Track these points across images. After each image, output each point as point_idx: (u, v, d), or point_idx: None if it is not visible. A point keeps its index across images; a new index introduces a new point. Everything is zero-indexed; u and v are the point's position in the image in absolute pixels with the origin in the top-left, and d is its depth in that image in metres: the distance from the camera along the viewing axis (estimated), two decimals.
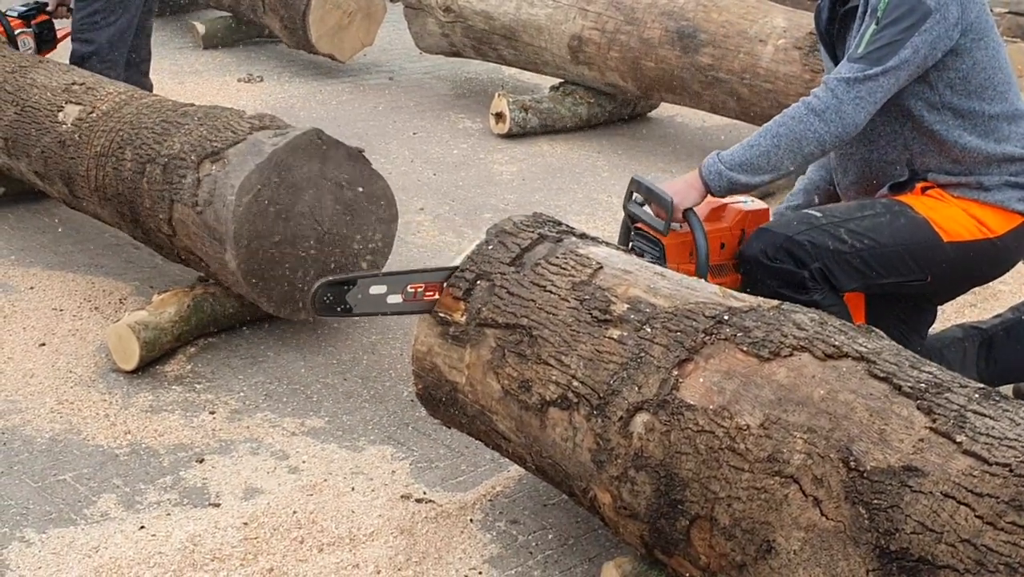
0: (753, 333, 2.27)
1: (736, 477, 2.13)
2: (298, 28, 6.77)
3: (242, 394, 3.44)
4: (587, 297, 2.51)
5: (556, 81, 6.22)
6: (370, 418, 3.33)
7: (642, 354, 2.35)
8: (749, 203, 3.01)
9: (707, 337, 2.31)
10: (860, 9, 2.94)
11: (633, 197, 3.03)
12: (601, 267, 2.57)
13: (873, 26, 2.82)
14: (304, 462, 3.10)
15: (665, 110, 6.46)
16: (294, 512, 2.86)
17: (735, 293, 2.46)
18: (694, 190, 2.89)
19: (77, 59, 4.78)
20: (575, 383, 2.42)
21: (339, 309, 2.72)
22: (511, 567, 2.69)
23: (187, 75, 6.83)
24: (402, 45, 7.65)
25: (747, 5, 5.36)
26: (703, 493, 2.18)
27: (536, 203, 5.02)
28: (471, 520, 2.85)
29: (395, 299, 2.72)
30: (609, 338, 2.42)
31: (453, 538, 2.78)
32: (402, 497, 2.93)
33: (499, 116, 5.92)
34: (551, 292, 2.56)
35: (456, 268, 2.70)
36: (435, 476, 3.05)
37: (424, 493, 2.96)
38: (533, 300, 2.57)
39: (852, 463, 2.00)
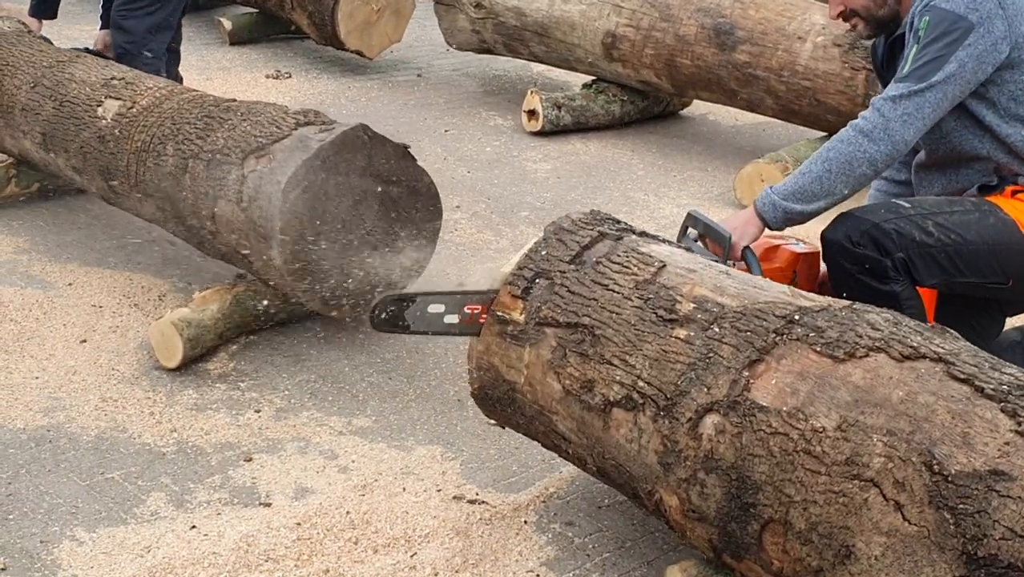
0: (826, 333, 2.22)
1: (812, 480, 2.09)
2: (326, 24, 6.73)
3: (287, 392, 3.41)
4: (651, 296, 2.47)
5: (585, 78, 6.18)
6: (417, 417, 3.29)
7: (711, 354, 2.31)
8: (801, 246, 3.02)
9: (778, 337, 2.26)
10: (906, 36, 2.95)
11: (688, 232, 3.01)
12: (664, 265, 2.53)
13: (915, 46, 2.84)
14: (353, 462, 3.06)
15: (697, 108, 6.42)
16: (347, 512, 2.82)
17: (805, 293, 2.42)
18: (751, 225, 2.91)
19: (118, 52, 4.81)
20: (640, 383, 2.38)
21: (399, 325, 2.73)
22: (569, 569, 2.65)
23: (214, 71, 6.79)
24: (429, 41, 7.62)
25: (785, 2, 5.31)
26: (777, 496, 2.13)
27: (573, 201, 4.98)
28: (525, 522, 2.81)
29: (452, 319, 2.73)
30: (675, 338, 2.37)
31: (509, 540, 2.74)
32: (455, 498, 2.90)
33: (532, 113, 5.88)
34: (614, 291, 2.52)
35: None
36: (486, 477, 3.01)
37: (476, 494, 2.92)
38: (595, 299, 2.53)
39: (935, 467, 1.96)
